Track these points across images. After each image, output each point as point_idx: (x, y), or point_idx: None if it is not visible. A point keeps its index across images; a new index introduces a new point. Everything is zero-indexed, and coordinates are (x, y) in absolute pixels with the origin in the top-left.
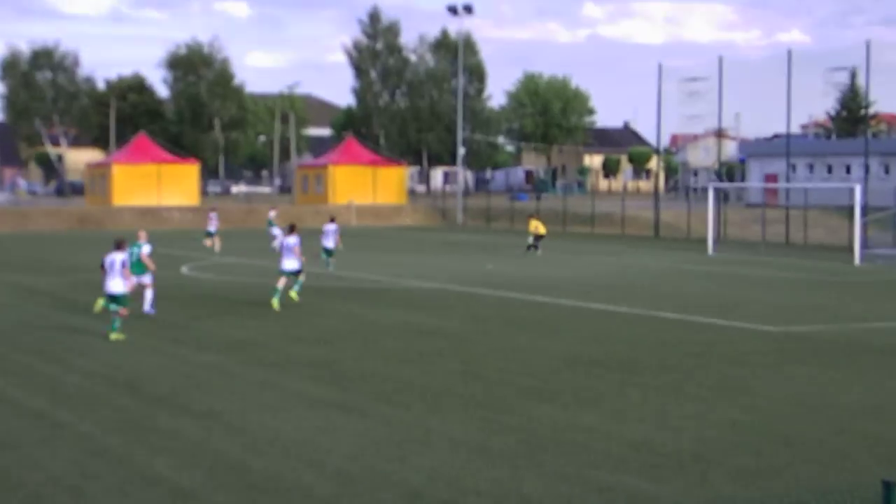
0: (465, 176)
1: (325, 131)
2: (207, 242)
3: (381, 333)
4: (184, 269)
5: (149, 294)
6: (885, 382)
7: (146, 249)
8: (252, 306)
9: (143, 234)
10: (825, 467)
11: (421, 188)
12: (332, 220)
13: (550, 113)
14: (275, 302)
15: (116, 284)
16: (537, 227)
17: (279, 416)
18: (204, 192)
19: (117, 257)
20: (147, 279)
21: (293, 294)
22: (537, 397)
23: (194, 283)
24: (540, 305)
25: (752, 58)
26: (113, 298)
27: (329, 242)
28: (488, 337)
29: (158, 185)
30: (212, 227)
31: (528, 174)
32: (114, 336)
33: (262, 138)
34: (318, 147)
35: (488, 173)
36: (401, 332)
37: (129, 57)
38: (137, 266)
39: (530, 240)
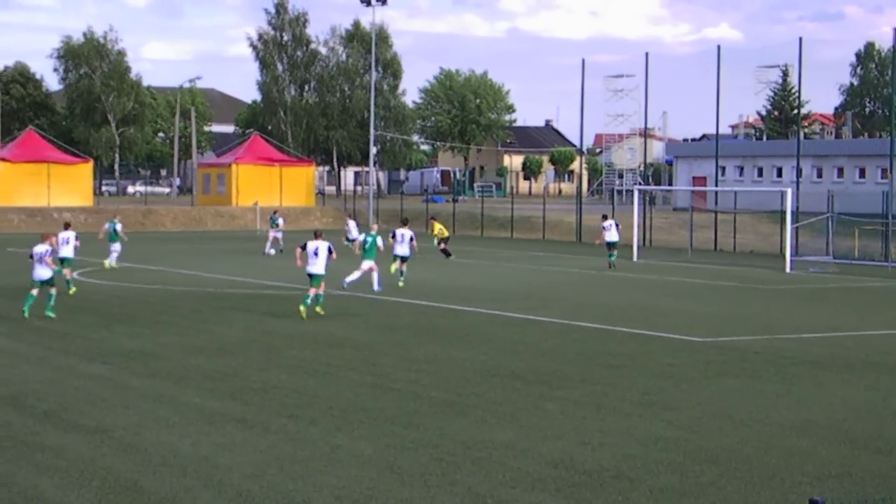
0: (377, 176)
1: (228, 128)
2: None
3: (285, 343)
4: (75, 275)
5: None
6: (815, 396)
7: (42, 249)
8: (147, 314)
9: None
10: (752, 486)
11: (330, 189)
12: (405, 224)
13: (467, 109)
14: (302, 309)
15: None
16: (441, 230)
17: (175, 432)
18: (98, 192)
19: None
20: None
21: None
22: (451, 411)
23: (86, 289)
24: (455, 314)
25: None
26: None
27: (404, 248)
28: (400, 348)
29: (48, 184)
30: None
31: (445, 175)
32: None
33: (161, 135)
34: (221, 144)
35: (402, 174)
36: (307, 342)
37: (15, 46)
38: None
39: (438, 244)
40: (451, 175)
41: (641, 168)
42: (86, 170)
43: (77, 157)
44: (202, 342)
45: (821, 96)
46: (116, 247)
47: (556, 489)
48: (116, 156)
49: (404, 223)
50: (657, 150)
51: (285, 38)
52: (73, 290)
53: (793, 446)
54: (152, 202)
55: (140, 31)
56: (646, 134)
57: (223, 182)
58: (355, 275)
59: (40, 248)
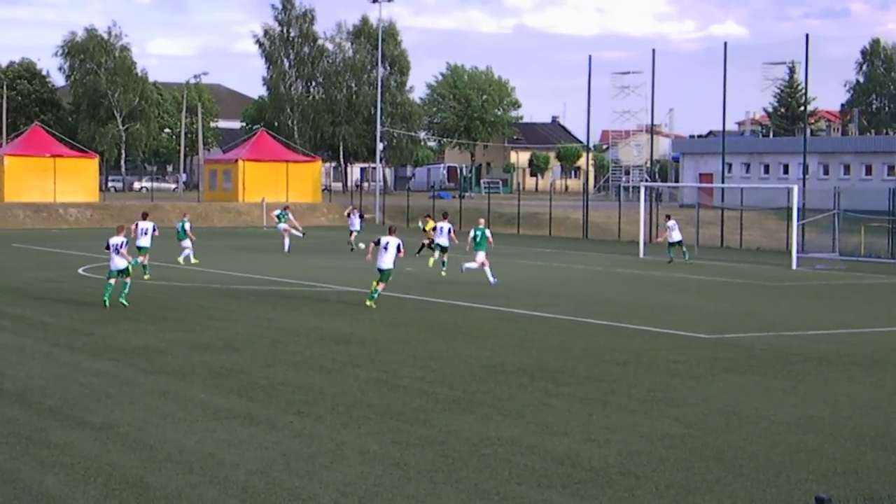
0: (383, 173)
1: (234, 124)
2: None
3: (291, 340)
4: (80, 271)
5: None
6: (821, 393)
7: (118, 240)
8: (153, 310)
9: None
10: (758, 483)
11: (337, 185)
12: (445, 217)
13: (472, 107)
14: (369, 303)
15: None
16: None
17: (181, 429)
18: (104, 188)
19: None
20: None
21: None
22: (457, 408)
23: (92, 285)
24: (462, 311)
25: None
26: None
27: (443, 240)
28: (406, 344)
29: (54, 180)
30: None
31: (451, 171)
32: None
33: (167, 131)
34: (228, 140)
35: (409, 170)
36: (313, 338)
37: (21, 42)
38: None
39: (426, 241)
40: (458, 171)
41: (648, 165)
42: (91, 165)
43: (83, 152)
44: (208, 338)
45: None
46: (187, 243)
47: (562, 486)
48: (122, 152)
49: (444, 216)
50: (664, 147)
51: (292, 33)
52: (147, 276)
53: (799, 443)
54: (158, 198)
55: (145, 27)
56: (652, 131)
57: (229, 178)
58: (472, 264)
59: (116, 240)
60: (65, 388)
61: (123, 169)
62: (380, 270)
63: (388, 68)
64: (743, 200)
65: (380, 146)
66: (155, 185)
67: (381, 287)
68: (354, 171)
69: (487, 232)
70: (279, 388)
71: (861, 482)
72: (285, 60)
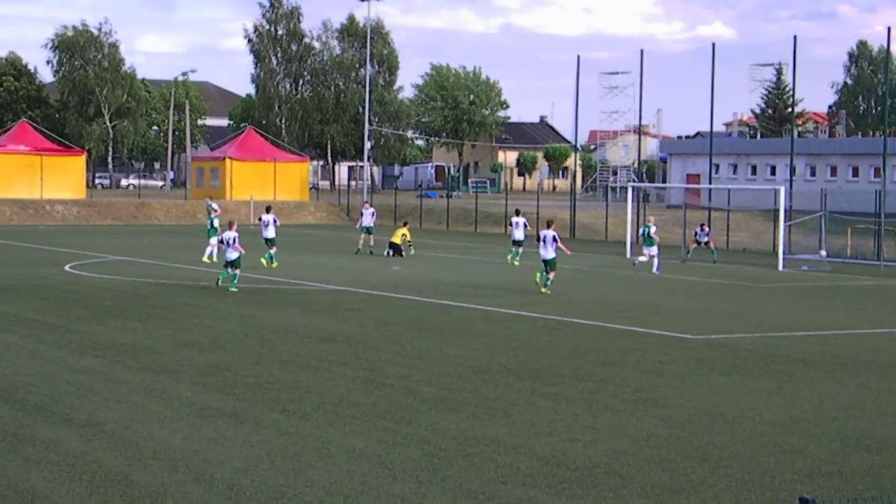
0: (371, 171)
1: (222, 121)
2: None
3: (278, 338)
4: (67, 268)
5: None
6: (806, 394)
7: (231, 235)
8: (139, 308)
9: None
10: (743, 483)
11: (325, 184)
12: (518, 213)
13: (460, 108)
14: (543, 289)
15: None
16: (405, 235)
17: (166, 426)
18: (91, 185)
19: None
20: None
21: (543, 289)
22: (443, 407)
23: (78, 282)
24: (448, 310)
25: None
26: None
27: (519, 234)
28: (392, 343)
29: (41, 176)
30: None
31: (439, 170)
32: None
33: (155, 128)
34: (215, 138)
35: (396, 169)
36: (299, 336)
37: (9, 38)
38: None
39: (397, 245)
40: (446, 171)
41: (635, 165)
42: (79, 162)
43: (70, 149)
44: (195, 336)
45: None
46: (213, 241)
47: (547, 485)
48: (110, 148)
49: (517, 213)
50: (651, 148)
51: (280, 31)
52: (275, 264)
53: (783, 444)
54: (146, 195)
55: (133, 24)
56: (640, 131)
57: (217, 176)
58: (642, 258)
59: (229, 234)
60: (50, 385)
61: (111, 166)
62: (545, 261)
63: (377, 67)
64: (730, 201)
65: (368, 145)
66: (142, 182)
67: (551, 275)
68: (342, 170)
69: (653, 229)
70: (265, 387)
71: (846, 483)
72: (273, 58)
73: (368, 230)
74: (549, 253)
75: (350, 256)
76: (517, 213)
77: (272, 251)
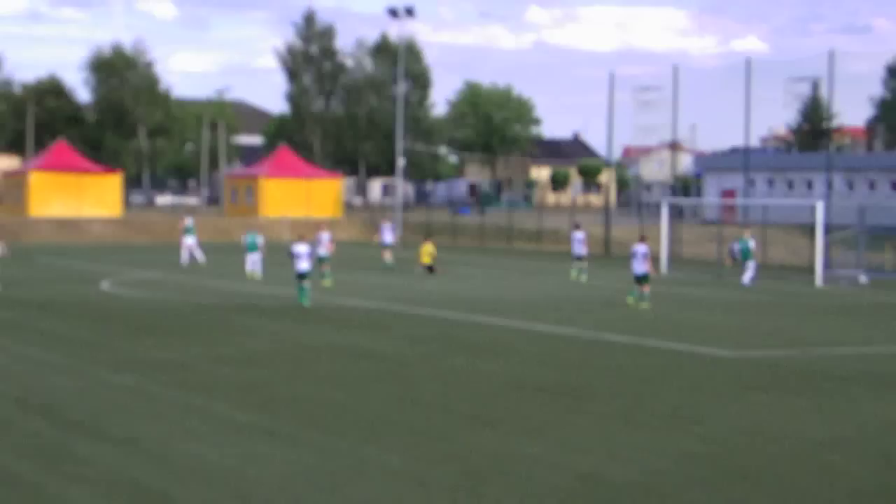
0: (404, 188)
1: (256, 139)
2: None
3: (313, 355)
4: (104, 285)
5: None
6: (847, 412)
7: (302, 249)
8: (175, 325)
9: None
10: (783, 503)
11: (358, 201)
12: (578, 227)
13: (493, 123)
14: (630, 300)
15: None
16: (431, 253)
17: (203, 443)
18: (127, 203)
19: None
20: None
21: (642, 304)
22: (479, 425)
23: (115, 299)
24: (483, 327)
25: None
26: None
27: (580, 249)
28: (427, 360)
29: (79, 195)
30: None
31: (472, 187)
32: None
33: (190, 146)
34: (249, 156)
35: (429, 186)
36: (334, 354)
37: (47, 59)
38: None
39: (419, 269)
40: (479, 187)
41: (670, 181)
42: (115, 181)
43: (107, 169)
44: (230, 353)
45: (851, 109)
46: (256, 257)
47: None
48: (146, 167)
49: (577, 227)
50: (686, 163)
51: (313, 50)
52: (328, 281)
53: (825, 463)
54: (181, 212)
55: (169, 44)
56: (674, 146)
57: (251, 193)
58: (749, 274)
59: (300, 248)
60: (88, 402)
61: (146, 183)
62: (637, 277)
63: (410, 84)
64: (766, 217)
65: (400, 162)
66: (177, 199)
67: (646, 289)
68: (375, 187)
69: (751, 243)
70: (301, 404)
71: (890, 502)
72: (306, 76)
73: (384, 247)
74: (641, 267)
75: (383, 273)
76: (577, 227)
77: (326, 269)
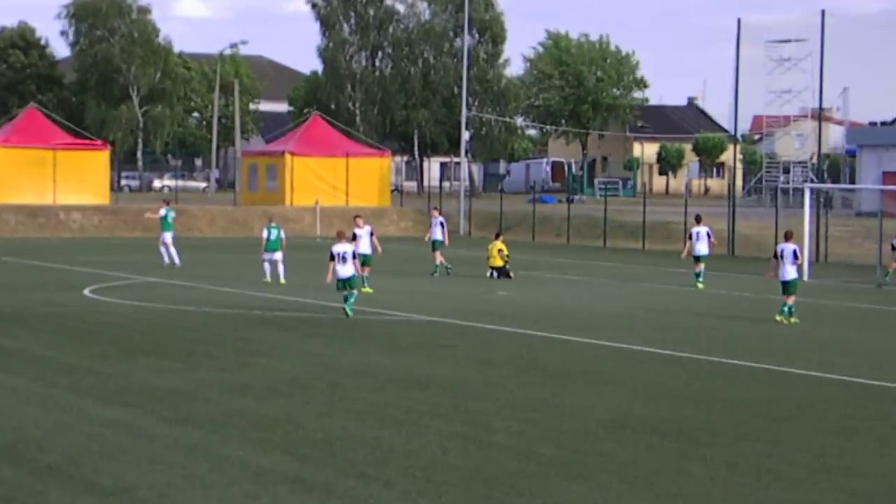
0: (469, 170)
1: (280, 106)
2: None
3: (353, 382)
4: (87, 292)
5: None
6: None
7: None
8: (178, 343)
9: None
10: None
11: (410, 185)
12: (699, 220)
13: (584, 86)
14: (779, 318)
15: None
16: (502, 250)
17: (213, 495)
18: (115, 187)
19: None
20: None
21: (792, 319)
22: (565, 473)
23: (101, 310)
24: (569, 347)
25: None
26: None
27: (703, 247)
28: (499, 389)
29: (54, 176)
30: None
31: (556, 168)
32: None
33: (196, 115)
34: (272, 128)
35: (502, 167)
36: (380, 380)
37: (15, 3)
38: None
39: (489, 273)
40: (565, 168)
41: (814, 160)
42: (101, 159)
43: (90, 142)
44: (248, 379)
45: None
46: (277, 256)
47: None
48: (140, 141)
49: (698, 220)
50: (835, 138)
51: None
52: (368, 288)
53: None
54: (185, 200)
55: None
56: (820, 116)
57: (274, 175)
58: None
59: (341, 248)
60: (68, 441)
61: (140, 163)
62: (784, 283)
63: (476, 36)
64: None
65: (465, 136)
66: (180, 183)
67: (790, 300)
68: (433, 168)
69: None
70: (337, 444)
71: None
72: (345, 26)
73: (434, 246)
74: (789, 273)
75: (443, 279)
76: (698, 220)
77: (365, 273)
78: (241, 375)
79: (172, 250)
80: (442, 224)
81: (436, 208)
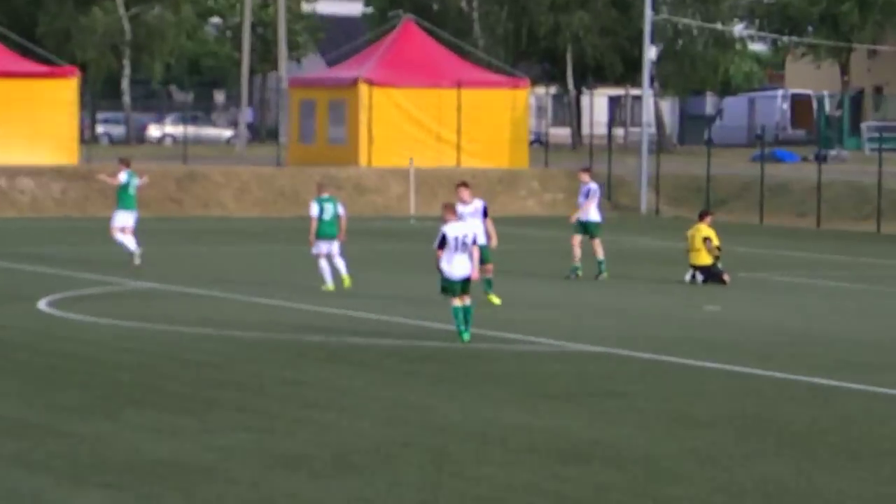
0: (658, 108)
1: (351, 7)
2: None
3: (471, 452)
4: (42, 305)
5: None
6: None
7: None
8: (188, 386)
9: None
10: None
11: (561, 133)
12: None
13: None
14: None
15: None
16: (710, 238)
17: None
18: (86, 137)
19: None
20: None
21: None
22: None
23: (66, 334)
24: (824, 397)
25: None
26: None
27: None
28: (709, 465)
29: None
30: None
31: (799, 105)
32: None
33: (215, 22)
34: (338, 41)
35: (709, 103)
36: (515, 450)
37: None
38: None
39: (690, 275)
40: (814, 106)
41: None
42: (64, 93)
43: (49, 67)
44: (301, 446)
45: None
46: (333, 247)
47: None
48: (126, 63)
49: None
50: None
51: None
52: (493, 298)
53: None
54: (197, 157)
55: None
56: None
57: (341, 118)
58: None
59: (458, 230)
60: None
61: (127, 98)
62: None
63: None
64: None
65: (650, 53)
66: (192, 130)
67: None
68: (597, 105)
69: None
70: None
71: None
72: None
73: (585, 228)
74: None
75: (606, 286)
76: None
77: (487, 274)
78: (291, 440)
79: (128, 237)
80: (592, 193)
81: (586, 169)
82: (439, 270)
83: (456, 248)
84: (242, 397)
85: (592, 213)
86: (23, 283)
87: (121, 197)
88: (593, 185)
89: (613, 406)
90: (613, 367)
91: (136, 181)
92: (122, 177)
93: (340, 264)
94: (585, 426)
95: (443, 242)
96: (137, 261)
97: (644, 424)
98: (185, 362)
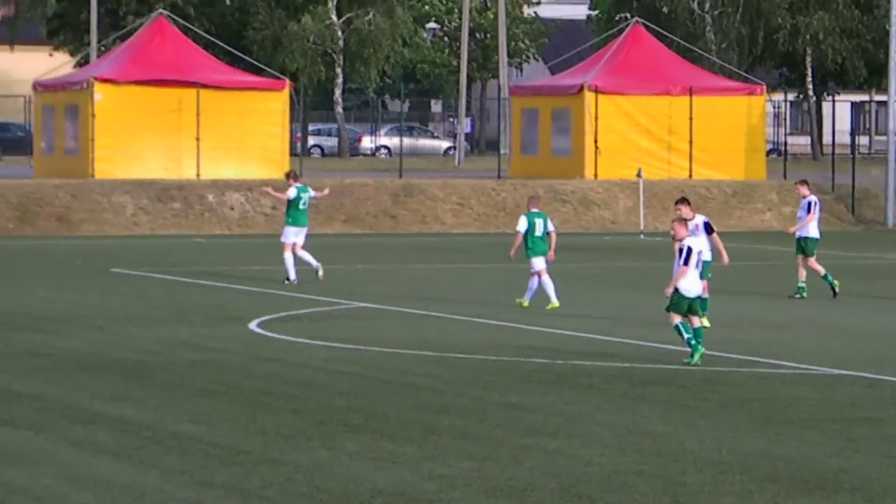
0: None
1: (576, 10)
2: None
3: (710, 479)
4: (254, 326)
5: None
6: None
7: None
8: (407, 412)
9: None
10: None
11: (800, 142)
12: None
13: None
14: None
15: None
16: None
17: None
18: (296, 150)
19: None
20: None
21: None
22: None
23: (279, 356)
24: None
25: None
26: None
27: None
28: None
29: (197, 133)
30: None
31: None
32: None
33: (433, 27)
34: (561, 46)
35: None
36: (754, 478)
37: None
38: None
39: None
40: None
41: None
42: (276, 101)
43: (257, 76)
44: (525, 475)
45: None
46: (540, 263)
47: None
48: (339, 71)
49: None
50: None
51: None
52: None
53: None
54: (413, 169)
55: None
56: None
57: (565, 127)
58: None
59: (695, 243)
60: None
61: (340, 109)
62: None
63: None
64: None
65: None
66: (407, 141)
67: None
68: (840, 110)
69: None
70: None
71: None
72: None
73: (803, 244)
74: None
75: (846, 306)
76: None
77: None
78: (516, 469)
79: (304, 255)
80: (814, 205)
81: (803, 181)
82: (676, 288)
83: (696, 265)
84: (464, 423)
85: (812, 229)
86: (233, 303)
87: (290, 213)
88: (814, 198)
89: (861, 433)
90: (860, 392)
91: (307, 195)
92: (292, 192)
93: (549, 285)
94: (831, 454)
95: (687, 256)
96: (321, 272)
97: (895, 453)
98: (404, 386)
